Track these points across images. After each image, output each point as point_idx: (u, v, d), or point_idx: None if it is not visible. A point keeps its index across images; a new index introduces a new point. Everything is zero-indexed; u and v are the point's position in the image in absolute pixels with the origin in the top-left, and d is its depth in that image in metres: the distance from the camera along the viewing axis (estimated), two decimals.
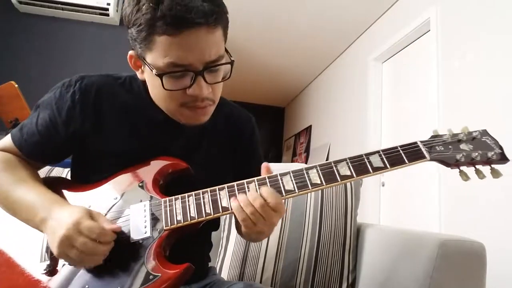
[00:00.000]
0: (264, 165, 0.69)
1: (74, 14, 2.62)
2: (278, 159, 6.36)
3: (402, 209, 2.74)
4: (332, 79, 4.38)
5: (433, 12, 2.45)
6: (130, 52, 0.71)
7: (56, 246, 0.62)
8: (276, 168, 0.72)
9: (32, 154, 0.76)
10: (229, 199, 0.66)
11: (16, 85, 1.85)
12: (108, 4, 2.56)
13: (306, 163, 4.82)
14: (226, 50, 0.70)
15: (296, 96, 5.89)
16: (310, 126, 4.96)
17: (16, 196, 0.70)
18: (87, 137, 0.75)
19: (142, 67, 0.72)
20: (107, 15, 2.61)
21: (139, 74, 0.74)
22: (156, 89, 0.72)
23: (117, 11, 2.65)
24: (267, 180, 0.68)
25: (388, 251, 1.05)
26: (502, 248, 1.67)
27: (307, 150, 4.88)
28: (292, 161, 5.58)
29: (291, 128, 6.05)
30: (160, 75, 0.65)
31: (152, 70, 0.66)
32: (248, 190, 0.67)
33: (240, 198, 0.65)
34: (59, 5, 2.54)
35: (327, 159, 4.08)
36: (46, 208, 0.66)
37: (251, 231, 0.67)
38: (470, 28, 2.14)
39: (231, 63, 0.70)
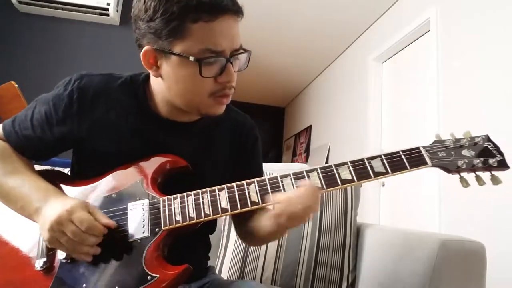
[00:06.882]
0: None
1: (74, 14, 2.61)
2: (278, 159, 6.35)
3: (402, 209, 2.74)
4: (332, 79, 4.38)
5: (433, 12, 2.45)
6: (146, 48, 0.68)
7: (47, 229, 0.63)
8: (277, 168, 0.72)
9: (19, 147, 0.75)
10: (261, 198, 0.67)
11: (16, 85, 1.84)
12: (108, 4, 2.56)
13: (306, 163, 4.82)
14: None
15: (296, 96, 5.88)
16: (310, 126, 4.96)
17: (11, 185, 0.70)
18: (84, 139, 0.75)
19: (159, 63, 0.69)
20: (107, 15, 2.60)
21: (153, 72, 0.71)
22: (181, 83, 0.69)
23: (117, 11, 2.65)
24: (267, 182, 0.68)
25: (388, 251, 1.05)
26: (502, 248, 1.67)
27: (307, 150, 4.88)
28: (292, 161, 5.58)
29: (291, 128, 6.04)
30: (199, 60, 0.65)
31: (188, 58, 0.65)
32: (248, 192, 0.67)
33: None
34: (59, 5, 2.53)
35: (327, 159, 4.08)
36: (41, 199, 0.67)
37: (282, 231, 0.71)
38: (470, 28, 2.14)
39: (250, 52, 0.73)
